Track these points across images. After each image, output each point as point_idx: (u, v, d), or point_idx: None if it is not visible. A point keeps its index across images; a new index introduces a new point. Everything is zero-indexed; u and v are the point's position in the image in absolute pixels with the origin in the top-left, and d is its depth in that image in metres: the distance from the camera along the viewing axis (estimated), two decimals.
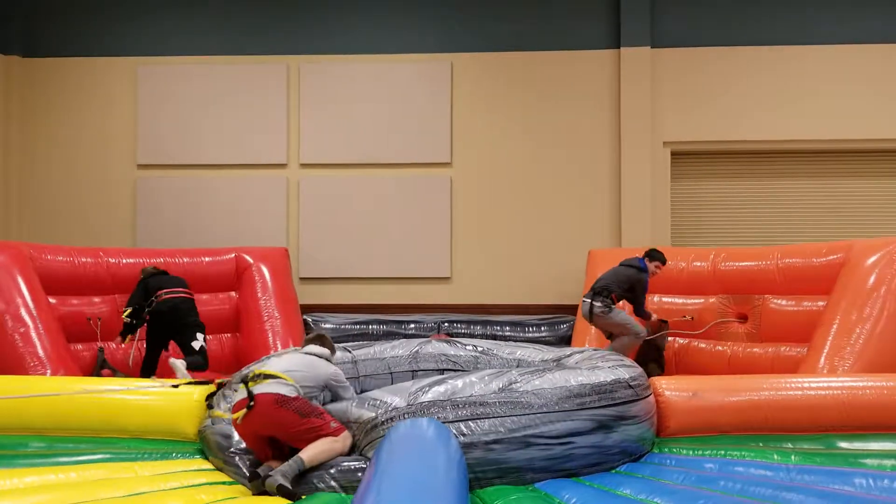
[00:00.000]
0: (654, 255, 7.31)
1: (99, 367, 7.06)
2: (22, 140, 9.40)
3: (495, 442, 3.86)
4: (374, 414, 3.98)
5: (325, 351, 4.54)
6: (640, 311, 7.17)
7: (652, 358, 7.38)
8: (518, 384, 4.03)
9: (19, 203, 9.36)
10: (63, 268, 7.23)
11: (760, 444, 4.28)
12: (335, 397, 4.39)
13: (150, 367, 6.93)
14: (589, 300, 7.03)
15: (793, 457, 4.01)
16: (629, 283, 7.07)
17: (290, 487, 3.58)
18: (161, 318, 6.79)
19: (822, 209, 9.09)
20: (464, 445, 3.79)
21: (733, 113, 8.96)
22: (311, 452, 3.79)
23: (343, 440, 3.96)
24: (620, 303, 7.16)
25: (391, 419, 3.89)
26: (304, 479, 3.75)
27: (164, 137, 9.30)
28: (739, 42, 8.98)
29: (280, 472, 3.61)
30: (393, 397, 4.03)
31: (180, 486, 3.73)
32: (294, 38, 9.29)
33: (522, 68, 9.16)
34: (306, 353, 4.46)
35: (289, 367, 4.20)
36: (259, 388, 3.97)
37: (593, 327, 7.41)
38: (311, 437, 3.88)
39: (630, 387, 4.25)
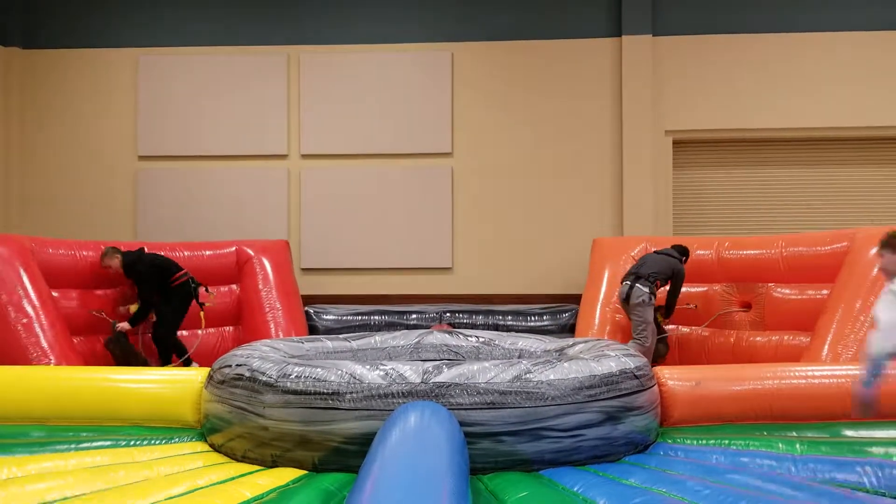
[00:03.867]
0: (684, 250, 7.30)
1: (116, 339, 7.05)
2: (22, 132, 9.38)
3: (507, 433, 3.76)
4: (382, 381, 3.84)
5: None
6: (674, 300, 7.12)
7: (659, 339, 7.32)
8: (532, 374, 3.92)
9: (20, 193, 9.35)
10: (64, 261, 7.22)
11: (765, 433, 4.25)
12: None
13: (182, 349, 7.16)
14: (630, 283, 6.87)
15: (798, 445, 3.98)
16: (672, 272, 6.99)
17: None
18: (188, 298, 7.11)
19: (825, 197, 9.06)
20: (474, 435, 3.71)
21: (736, 101, 8.92)
22: None
23: None
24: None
25: (401, 393, 3.78)
26: None
27: (165, 128, 9.28)
28: (742, 30, 8.94)
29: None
30: (405, 368, 3.90)
31: (180, 470, 3.72)
32: (294, 29, 9.26)
33: (523, 57, 9.12)
34: None
35: None
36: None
37: (596, 317, 7.38)
38: None
39: (636, 377, 4.21)
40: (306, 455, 3.83)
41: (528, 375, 3.90)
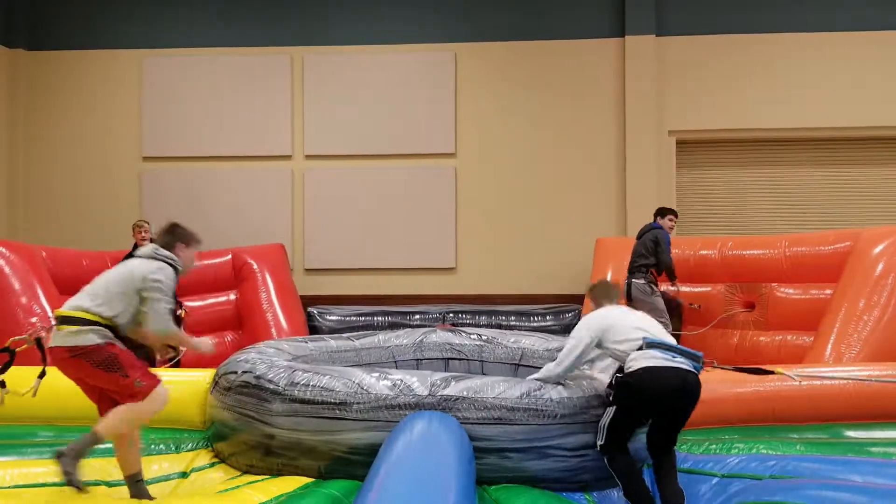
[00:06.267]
0: (664, 210, 7.36)
1: None
2: (27, 132, 9.42)
3: (513, 450, 3.75)
4: (390, 392, 3.83)
5: (148, 249, 3.70)
6: (666, 258, 6.92)
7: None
8: (542, 391, 3.86)
9: (25, 193, 9.39)
10: (73, 269, 7.35)
11: (767, 436, 4.26)
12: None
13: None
14: (627, 281, 6.93)
15: (798, 447, 3.99)
16: (651, 246, 6.98)
17: (72, 473, 3.12)
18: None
19: (828, 197, 9.06)
20: (480, 450, 3.69)
21: (739, 101, 8.92)
22: (105, 423, 3.29)
23: (150, 402, 3.31)
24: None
25: (409, 405, 3.77)
26: None
27: (169, 129, 9.31)
28: (745, 30, 8.93)
29: (70, 449, 3.17)
30: (412, 380, 3.89)
31: (184, 470, 3.74)
32: (298, 30, 9.28)
33: (526, 58, 9.12)
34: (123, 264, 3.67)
35: (90, 291, 3.50)
36: (54, 341, 3.37)
37: None
38: (127, 394, 3.33)
39: None
40: (312, 464, 3.84)
41: (536, 392, 3.84)
